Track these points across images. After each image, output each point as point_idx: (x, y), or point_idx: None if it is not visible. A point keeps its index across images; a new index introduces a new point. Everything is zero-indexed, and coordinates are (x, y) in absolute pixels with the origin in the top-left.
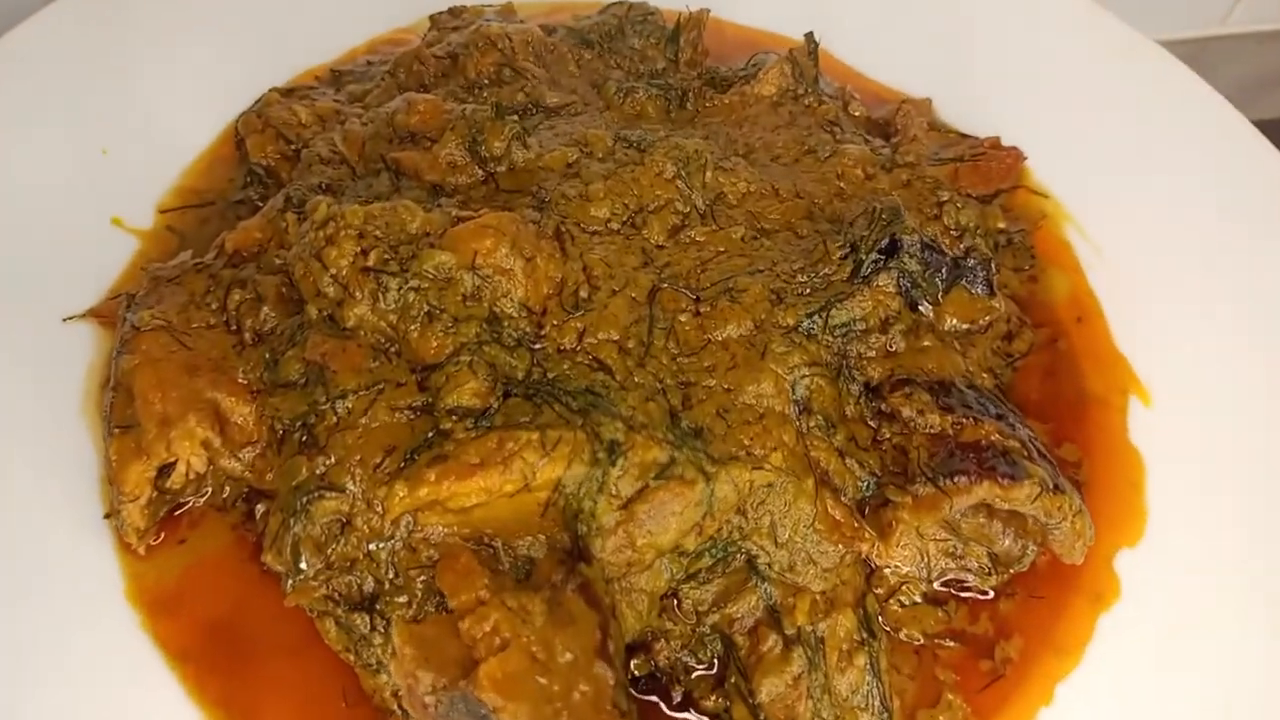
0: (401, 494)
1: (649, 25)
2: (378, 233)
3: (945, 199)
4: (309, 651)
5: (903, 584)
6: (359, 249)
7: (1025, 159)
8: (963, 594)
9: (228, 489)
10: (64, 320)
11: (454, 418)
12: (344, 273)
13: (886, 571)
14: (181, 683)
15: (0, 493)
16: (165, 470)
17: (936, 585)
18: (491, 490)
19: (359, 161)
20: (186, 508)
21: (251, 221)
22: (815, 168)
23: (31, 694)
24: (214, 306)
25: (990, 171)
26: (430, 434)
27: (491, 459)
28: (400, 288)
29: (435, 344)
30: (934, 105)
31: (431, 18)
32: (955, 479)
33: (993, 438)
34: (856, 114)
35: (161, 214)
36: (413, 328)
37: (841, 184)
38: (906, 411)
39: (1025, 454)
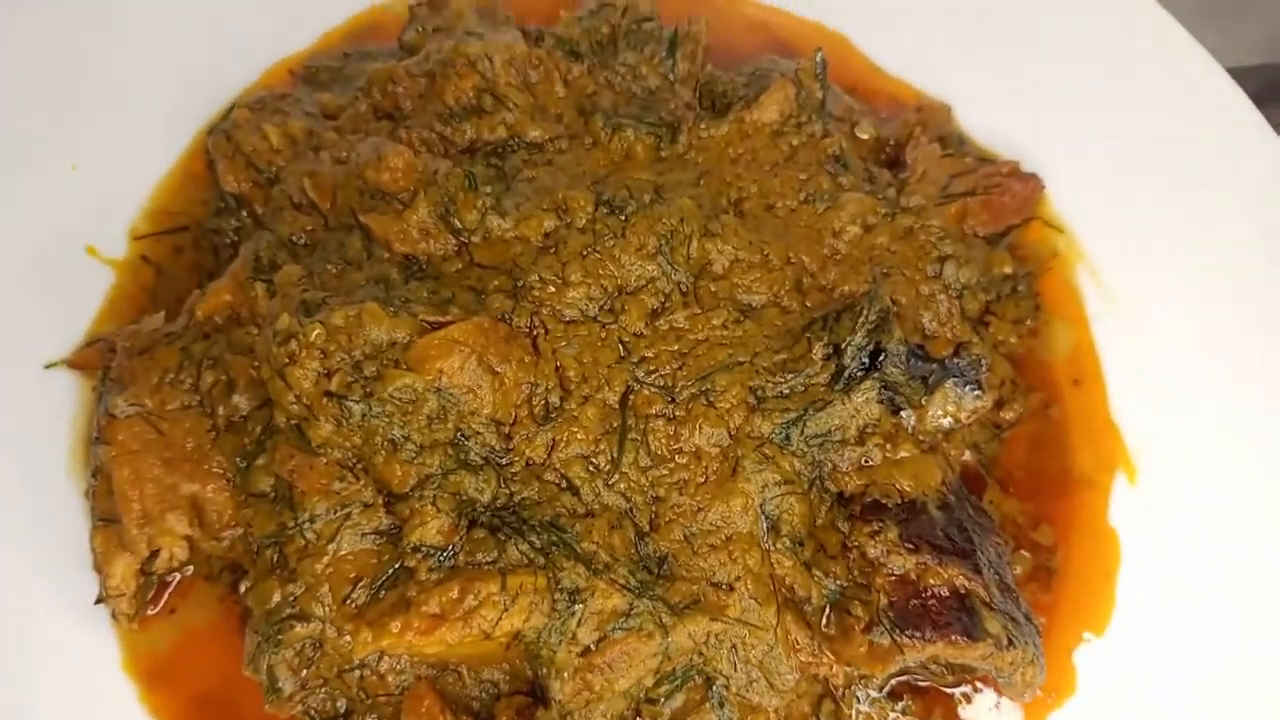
0: (366, 639)
1: (644, 37)
2: (340, 351)
3: (948, 253)
4: None
5: (863, 678)
6: (321, 370)
7: (1044, 188)
8: (919, 685)
9: (212, 562)
10: (45, 367)
11: (418, 555)
12: (307, 395)
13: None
14: None
15: None
16: (152, 554)
17: (894, 683)
18: (451, 643)
19: (330, 210)
20: (176, 581)
21: (221, 284)
22: (812, 221)
23: None
24: (187, 385)
25: (1003, 207)
26: (395, 568)
27: (451, 612)
28: (364, 414)
29: (400, 473)
30: (953, 114)
31: (410, 8)
32: (911, 635)
33: (956, 582)
34: (864, 137)
35: (136, 240)
36: (378, 456)
37: (837, 243)
38: (872, 552)
39: (986, 599)
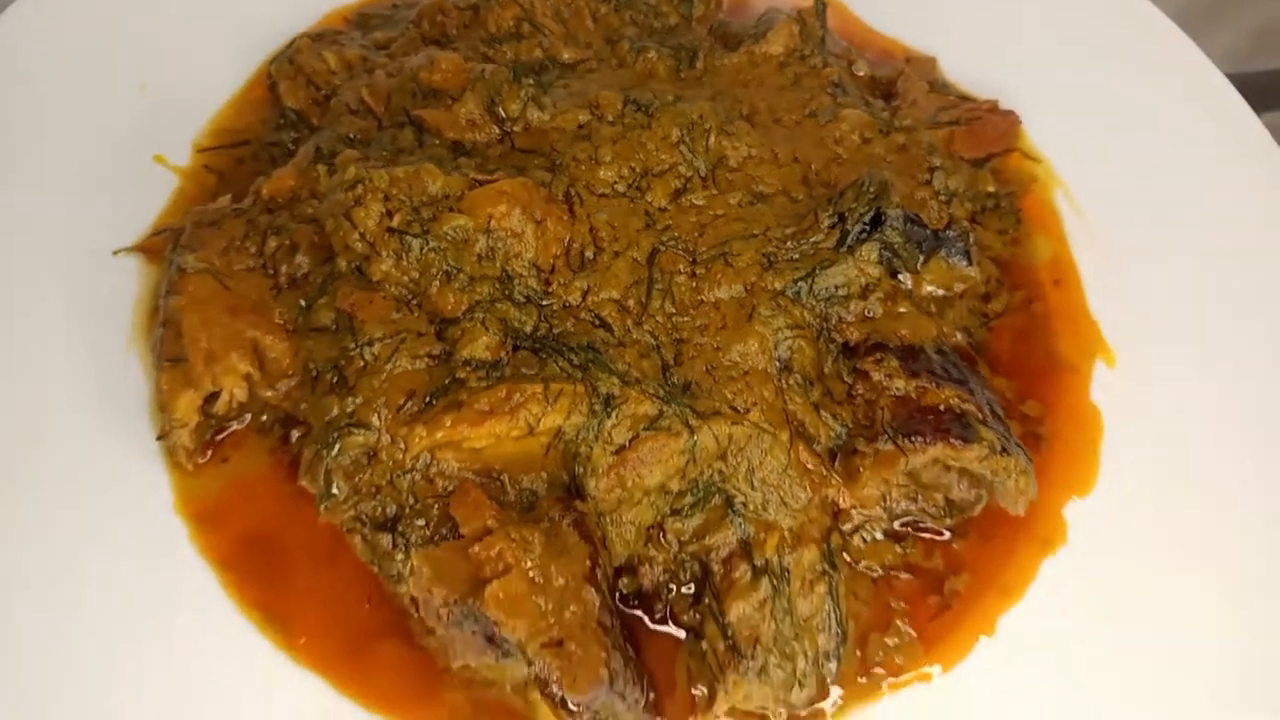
0: (421, 435)
1: None
2: (401, 195)
3: (937, 164)
4: (338, 561)
5: (866, 522)
6: (384, 210)
7: (1021, 123)
8: (920, 533)
9: (266, 415)
10: (114, 254)
11: (468, 368)
12: (370, 232)
13: (852, 511)
14: (224, 588)
15: (61, 418)
16: (211, 398)
17: (897, 525)
18: (499, 435)
19: (384, 113)
20: (230, 431)
21: (285, 170)
22: (815, 131)
23: (90, 596)
24: (252, 250)
25: (985, 135)
26: (447, 381)
27: (500, 408)
28: (421, 248)
29: (452, 300)
30: (939, 64)
31: None
32: (913, 439)
33: (951, 402)
34: (860, 74)
35: (199, 153)
36: (433, 285)
37: (839, 149)
38: (876, 375)
39: (980, 418)
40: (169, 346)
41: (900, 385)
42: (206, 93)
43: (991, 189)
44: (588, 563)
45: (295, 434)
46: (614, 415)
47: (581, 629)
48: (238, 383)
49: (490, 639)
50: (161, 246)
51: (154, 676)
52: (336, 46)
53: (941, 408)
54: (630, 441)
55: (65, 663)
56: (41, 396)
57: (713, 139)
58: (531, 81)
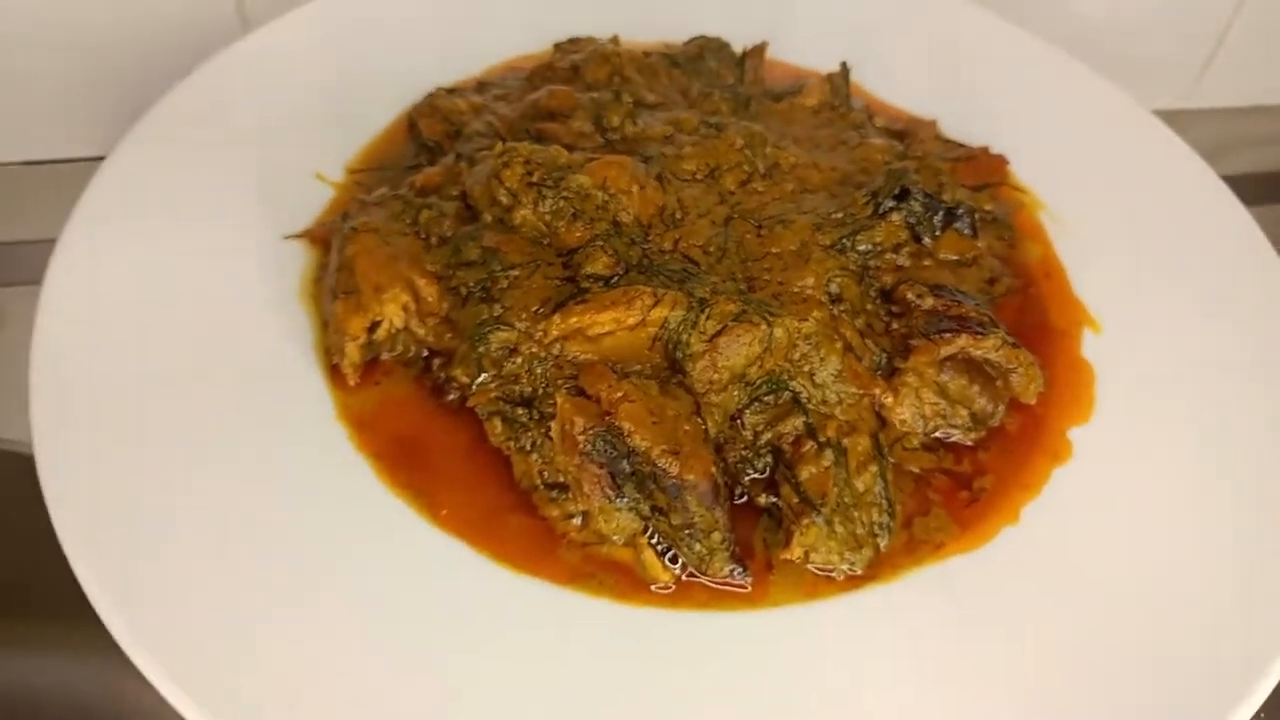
0: (557, 321)
1: (723, 54)
2: (539, 160)
3: (945, 181)
4: (471, 455)
5: (906, 434)
6: (525, 171)
7: (1008, 163)
8: (950, 445)
9: (412, 349)
10: (284, 238)
11: (590, 280)
12: (515, 186)
13: (896, 423)
14: (377, 474)
15: (250, 354)
16: (373, 327)
17: (931, 437)
18: (619, 321)
19: (509, 134)
20: (381, 361)
21: (434, 169)
22: (846, 153)
23: (268, 484)
24: (408, 221)
25: (980, 169)
26: (574, 292)
27: (619, 300)
28: (554, 197)
29: (578, 234)
30: (939, 125)
31: (556, 45)
32: (942, 334)
33: (971, 314)
34: (878, 124)
35: (350, 173)
36: (561, 224)
37: (866, 164)
38: (910, 296)
39: (994, 325)
40: (343, 283)
41: (929, 301)
42: (360, 129)
43: (989, 207)
44: (693, 403)
45: (437, 363)
46: (707, 311)
47: (693, 441)
48: (398, 311)
49: (614, 477)
50: (323, 234)
51: (318, 549)
52: (465, 97)
53: (963, 315)
54: (720, 330)
55: (244, 538)
56: (235, 337)
57: (769, 149)
58: (630, 100)
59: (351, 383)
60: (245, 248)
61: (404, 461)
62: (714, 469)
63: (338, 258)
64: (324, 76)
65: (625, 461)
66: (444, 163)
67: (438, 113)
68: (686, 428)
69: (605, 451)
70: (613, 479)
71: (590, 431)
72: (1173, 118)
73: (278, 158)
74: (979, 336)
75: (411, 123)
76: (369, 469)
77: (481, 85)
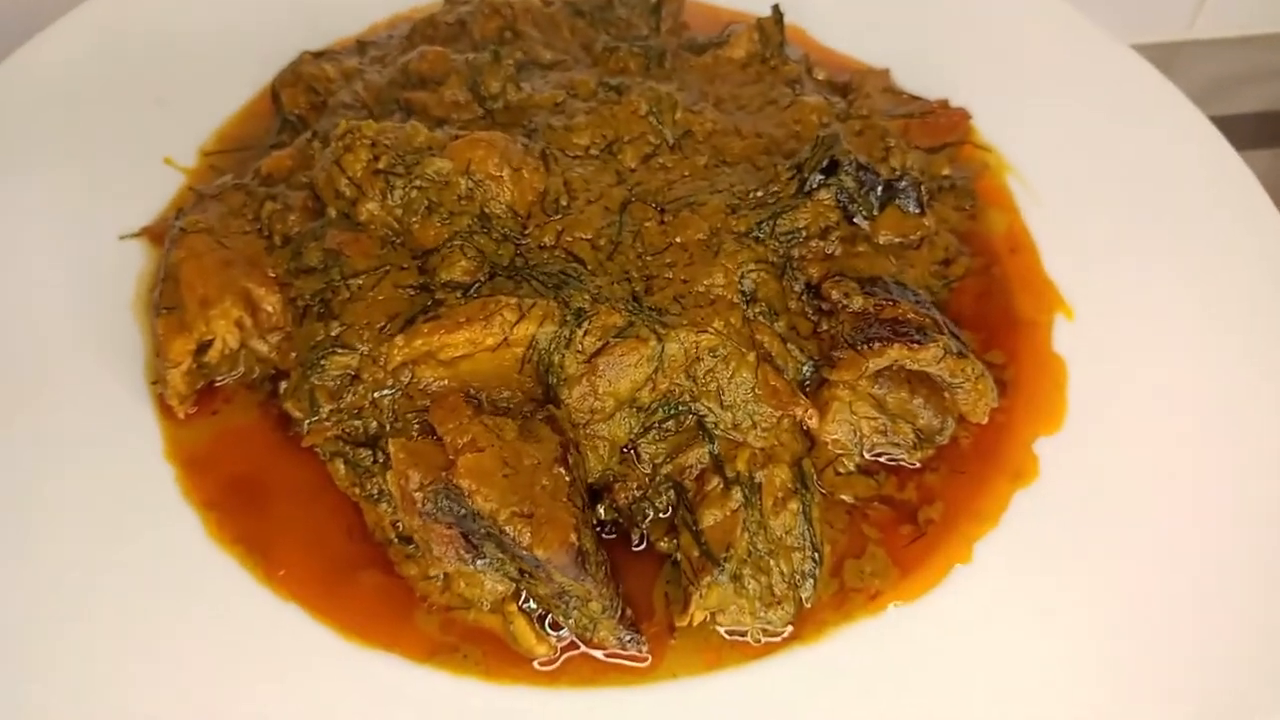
0: (400, 344)
1: (634, 1)
2: (388, 143)
3: (891, 144)
4: (318, 499)
5: (839, 455)
6: (372, 155)
7: (971, 118)
8: (892, 467)
9: (256, 370)
10: (120, 238)
11: (447, 289)
12: (358, 175)
13: (827, 443)
14: (204, 526)
15: (63, 373)
16: (204, 347)
17: (868, 458)
18: (475, 342)
19: (376, 105)
20: (220, 384)
21: (283, 151)
22: (776, 115)
23: (78, 531)
24: (249, 216)
25: (938, 127)
26: (428, 304)
27: (475, 316)
28: (405, 187)
29: (433, 232)
30: (891, 75)
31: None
32: (872, 344)
33: (909, 316)
34: (819, 78)
35: (205, 156)
36: (414, 220)
37: (799, 128)
38: (835, 295)
39: (936, 328)
40: (167, 296)
41: (859, 302)
42: (215, 106)
43: (947, 171)
44: (559, 449)
45: (283, 385)
46: (585, 325)
47: (551, 500)
48: (230, 329)
49: (467, 537)
50: (164, 231)
51: (133, 609)
52: (335, 62)
53: (898, 318)
54: (600, 349)
55: (48, 593)
56: (44, 354)
57: (679, 114)
58: (510, 62)
59: (181, 415)
60: (71, 249)
61: (237, 510)
62: (574, 535)
63: (164, 264)
64: (177, 41)
65: (474, 521)
66: (297, 143)
67: (301, 81)
68: (544, 482)
69: (450, 510)
70: (466, 540)
71: (428, 489)
72: (1171, 53)
73: (119, 139)
74: (915, 346)
75: (274, 93)
76: (196, 520)
77: (361, 45)
